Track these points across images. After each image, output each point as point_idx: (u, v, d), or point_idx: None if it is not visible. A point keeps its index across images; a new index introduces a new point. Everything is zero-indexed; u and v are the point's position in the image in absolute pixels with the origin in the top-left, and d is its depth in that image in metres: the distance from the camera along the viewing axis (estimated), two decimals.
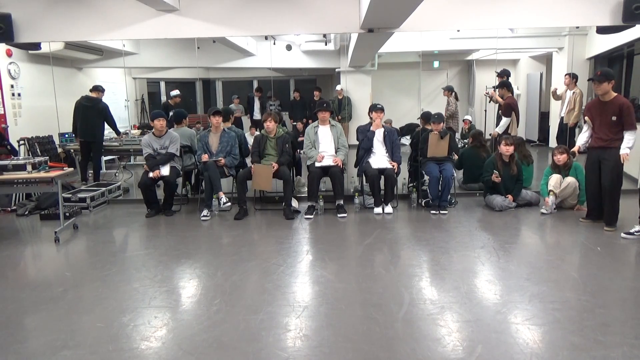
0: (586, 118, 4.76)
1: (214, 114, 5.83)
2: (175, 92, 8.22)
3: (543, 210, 5.31)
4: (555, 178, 5.35)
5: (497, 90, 7.07)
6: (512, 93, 6.91)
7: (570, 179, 5.32)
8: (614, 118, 4.46)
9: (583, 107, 8.09)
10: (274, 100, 10.39)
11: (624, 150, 4.42)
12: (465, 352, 2.52)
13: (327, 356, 2.52)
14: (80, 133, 6.95)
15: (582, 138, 4.88)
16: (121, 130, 9.04)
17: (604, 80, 4.46)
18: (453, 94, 8.07)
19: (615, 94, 4.52)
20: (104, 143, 7.36)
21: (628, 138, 4.42)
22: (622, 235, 4.38)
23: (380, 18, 4.90)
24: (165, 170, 5.57)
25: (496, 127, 7.02)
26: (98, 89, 7.06)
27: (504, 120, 6.57)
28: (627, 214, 4.68)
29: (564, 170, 5.42)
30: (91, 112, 6.87)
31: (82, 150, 7.06)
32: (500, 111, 6.65)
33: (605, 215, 4.66)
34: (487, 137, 8.35)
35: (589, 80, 6.98)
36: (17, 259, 4.32)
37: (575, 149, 5.01)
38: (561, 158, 5.40)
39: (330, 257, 4.07)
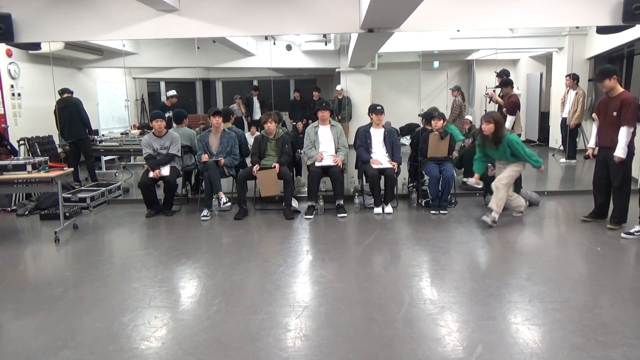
0: (594, 115, 4.76)
1: (214, 114, 5.83)
2: (172, 92, 8.20)
3: (485, 219, 4.81)
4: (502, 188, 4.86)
5: (498, 89, 7.06)
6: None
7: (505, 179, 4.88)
8: (614, 114, 4.43)
9: (585, 108, 8.10)
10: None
11: (617, 152, 4.35)
12: (465, 352, 2.52)
13: (327, 356, 2.52)
14: (66, 135, 7.06)
15: (592, 140, 4.85)
16: (121, 130, 9.06)
17: (603, 77, 4.45)
18: (461, 94, 8.03)
19: (622, 90, 4.48)
20: (104, 143, 7.38)
21: (622, 134, 4.33)
22: (622, 235, 4.37)
23: (380, 18, 4.90)
24: (165, 171, 5.57)
25: None
26: (66, 91, 7.12)
27: (510, 119, 6.55)
28: (627, 214, 4.67)
29: (490, 142, 4.94)
30: (67, 112, 6.97)
31: (71, 151, 7.21)
32: (504, 109, 6.64)
33: (613, 214, 4.64)
34: None
35: (589, 80, 7.01)
36: (17, 259, 4.32)
37: (589, 152, 4.98)
38: (487, 128, 4.88)
39: (330, 257, 4.07)
